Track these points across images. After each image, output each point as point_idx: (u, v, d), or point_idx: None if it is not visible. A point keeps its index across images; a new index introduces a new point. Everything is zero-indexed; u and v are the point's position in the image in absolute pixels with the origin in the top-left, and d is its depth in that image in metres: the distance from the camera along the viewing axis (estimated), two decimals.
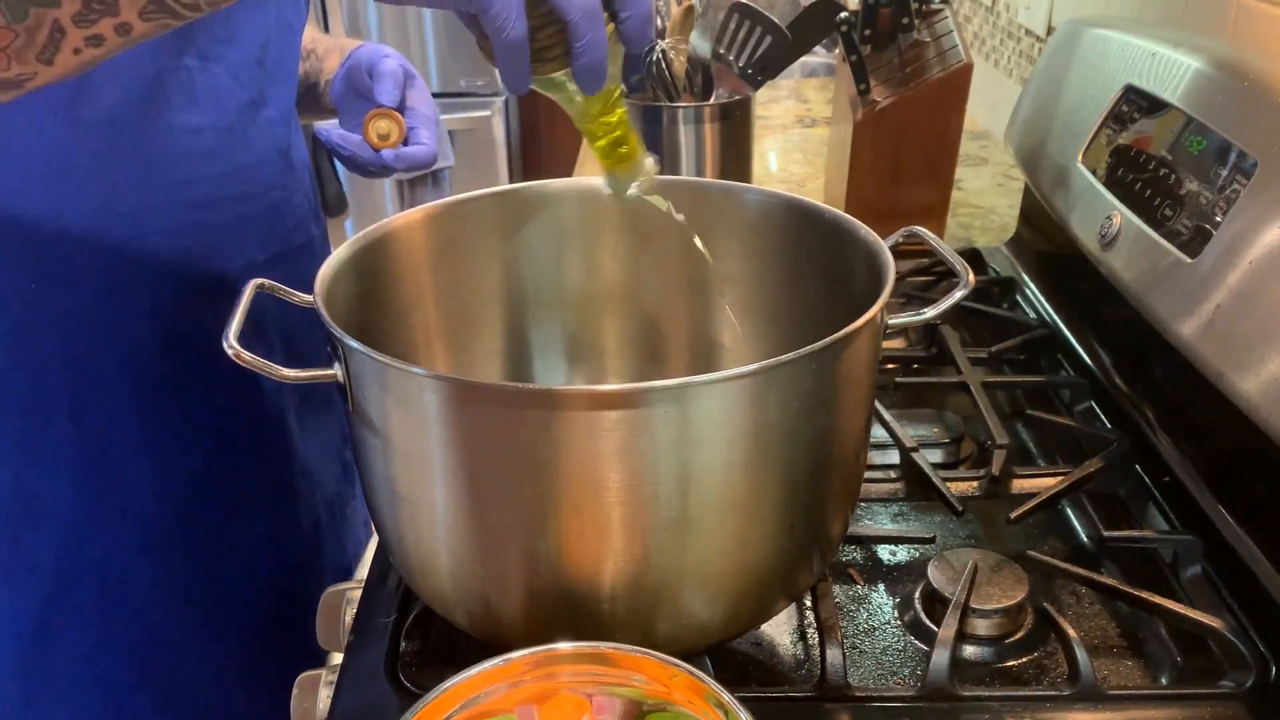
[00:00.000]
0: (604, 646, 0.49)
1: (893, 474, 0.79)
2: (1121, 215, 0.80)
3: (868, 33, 1.22)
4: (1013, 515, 0.73)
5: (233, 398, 0.82)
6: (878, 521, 0.78)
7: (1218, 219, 0.68)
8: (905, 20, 1.20)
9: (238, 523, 0.85)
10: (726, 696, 0.46)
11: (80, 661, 0.80)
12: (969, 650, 0.64)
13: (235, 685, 0.87)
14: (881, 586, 0.71)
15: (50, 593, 0.77)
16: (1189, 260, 0.70)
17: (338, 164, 1.14)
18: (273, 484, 0.89)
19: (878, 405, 0.80)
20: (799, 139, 1.76)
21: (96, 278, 0.73)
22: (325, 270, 0.60)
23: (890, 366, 0.99)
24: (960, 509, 0.74)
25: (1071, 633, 0.62)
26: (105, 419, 0.76)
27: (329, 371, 0.56)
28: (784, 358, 0.51)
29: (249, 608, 0.88)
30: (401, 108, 0.86)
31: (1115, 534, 0.73)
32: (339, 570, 0.97)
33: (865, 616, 0.68)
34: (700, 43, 1.05)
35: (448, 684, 0.48)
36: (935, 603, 0.66)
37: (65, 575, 0.77)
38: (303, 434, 0.91)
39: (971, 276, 0.62)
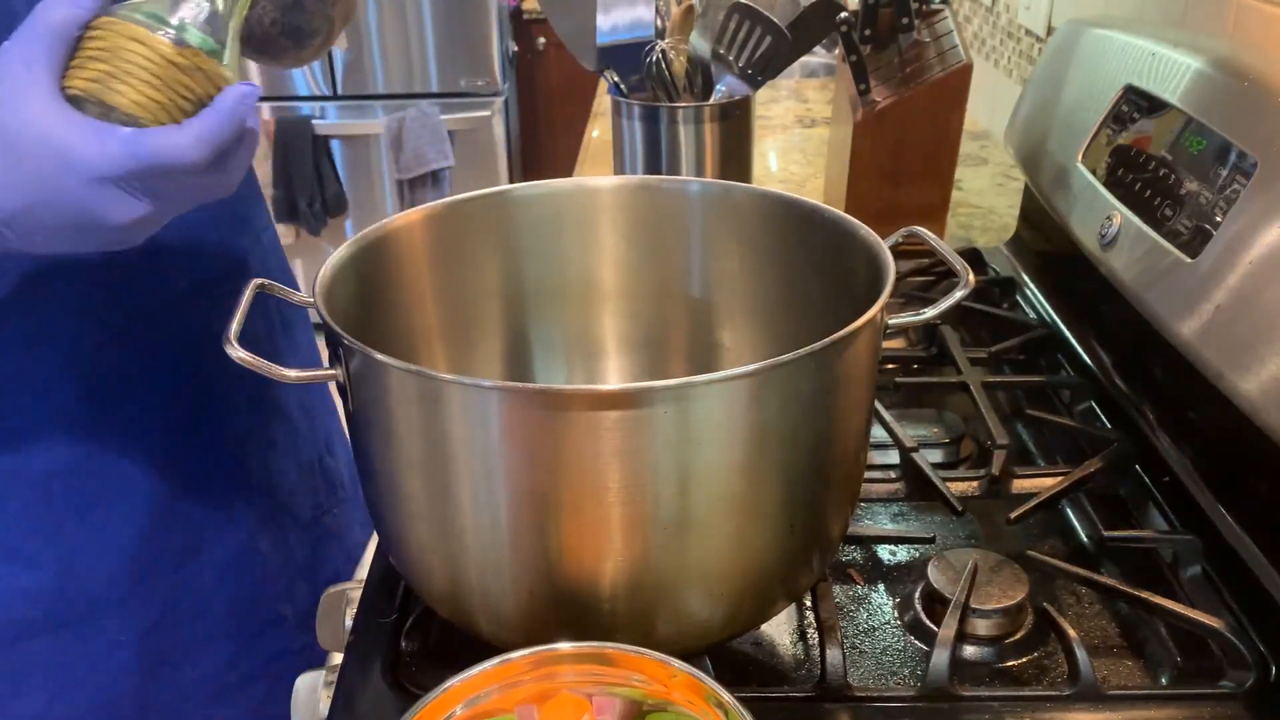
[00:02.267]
0: (604, 646, 0.49)
1: (893, 474, 0.79)
2: (1121, 215, 0.80)
3: (868, 33, 1.22)
4: (1013, 515, 0.73)
5: (184, 421, 0.79)
6: (878, 521, 0.78)
7: (1218, 219, 0.68)
8: (905, 20, 1.20)
9: (205, 546, 0.83)
10: (726, 696, 0.46)
11: (41, 689, 0.78)
12: (969, 650, 0.64)
13: (204, 703, 0.86)
14: (881, 586, 0.71)
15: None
16: (1189, 260, 0.70)
17: (338, 164, 1.13)
18: (240, 503, 0.86)
19: (878, 405, 0.80)
20: (799, 139, 1.76)
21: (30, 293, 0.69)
22: (325, 270, 0.60)
23: (890, 366, 0.99)
24: (960, 509, 0.74)
25: (1071, 633, 0.62)
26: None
27: (329, 371, 0.56)
28: (784, 358, 0.51)
29: (218, 627, 0.86)
30: None
31: (1115, 534, 0.73)
32: (318, 583, 0.95)
33: (865, 616, 0.68)
34: (700, 43, 1.05)
35: (447, 684, 0.48)
36: (935, 603, 0.66)
37: None
38: (270, 450, 0.88)
39: (971, 276, 0.62)
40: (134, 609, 0.79)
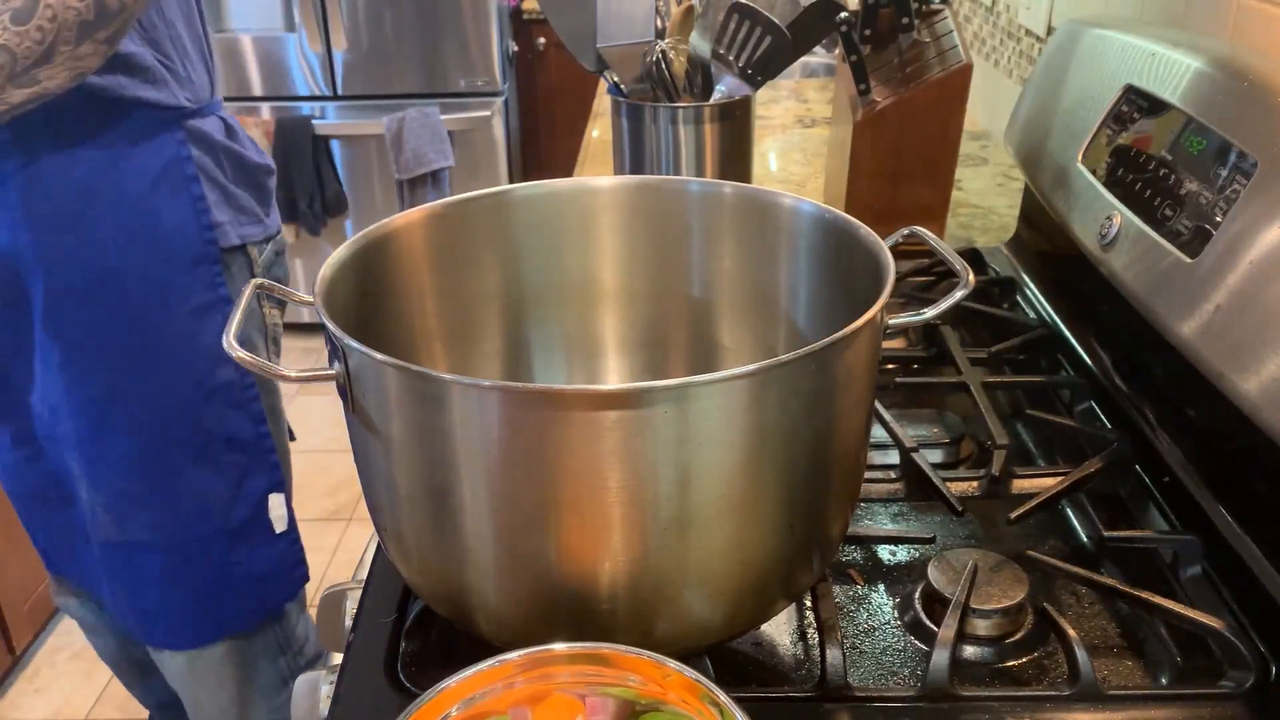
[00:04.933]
0: (600, 647, 0.49)
1: (893, 474, 0.79)
2: (1121, 215, 0.80)
3: (868, 33, 1.22)
4: (1013, 515, 0.73)
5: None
6: (878, 521, 0.78)
7: (1218, 219, 0.68)
8: (905, 20, 1.20)
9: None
10: (722, 696, 0.46)
11: None
12: (969, 650, 0.64)
13: None
14: (881, 586, 0.71)
15: None
16: (1189, 260, 0.70)
17: (338, 164, 1.14)
18: None
19: (878, 405, 0.80)
20: (799, 139, 1.76)
21: None
22: (325, 270, 0.60)
23: (890, 366, 0.99)
24: (960, 509, 0.74)
25: (1071, 633, 0.62)
26: None
27: (329, 371, 0.56)
28: (784, 358, 0.51)
29: None
30: None
31: (1115, 534, 0.73)
32: None
33: (865, 616, 0.68)
34: (700, 43, 1.05)
35: (443, 685, 0.48)
36: (935, 603, 0.66)
37: None
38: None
39: (971, 276, 0.62)
40: None
